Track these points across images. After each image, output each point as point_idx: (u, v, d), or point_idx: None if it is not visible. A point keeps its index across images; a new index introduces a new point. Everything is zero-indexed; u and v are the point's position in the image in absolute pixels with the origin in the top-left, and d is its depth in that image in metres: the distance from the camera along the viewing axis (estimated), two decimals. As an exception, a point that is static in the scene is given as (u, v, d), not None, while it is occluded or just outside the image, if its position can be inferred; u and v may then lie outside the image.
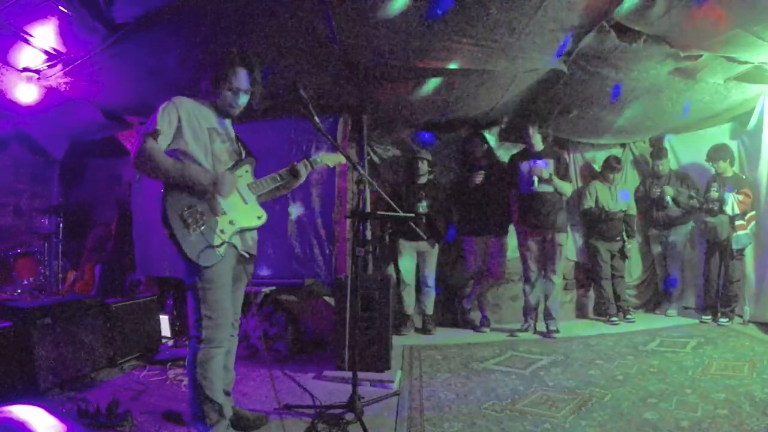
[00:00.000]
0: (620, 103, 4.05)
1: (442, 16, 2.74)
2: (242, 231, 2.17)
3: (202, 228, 2.01)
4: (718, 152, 4.34)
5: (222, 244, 2.06)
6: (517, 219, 4.35)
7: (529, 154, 4.22)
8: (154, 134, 1.97)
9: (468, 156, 4.59)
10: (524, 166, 4.21)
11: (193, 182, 2.02)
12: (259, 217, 2.23)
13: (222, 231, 2.07)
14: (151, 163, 1.96)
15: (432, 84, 3.66)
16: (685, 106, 4.14)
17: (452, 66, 3.34)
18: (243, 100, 2.19)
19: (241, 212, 2.17)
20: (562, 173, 4.16)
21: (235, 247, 2.12)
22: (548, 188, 4.10)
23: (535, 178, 4.08)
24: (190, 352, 2.04)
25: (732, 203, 4.15)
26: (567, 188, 4.18)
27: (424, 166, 4.40)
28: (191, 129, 2.08)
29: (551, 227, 4.10)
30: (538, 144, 4.17)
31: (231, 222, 2.11)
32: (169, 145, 2.04)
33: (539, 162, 4.10)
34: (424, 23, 2.80)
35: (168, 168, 1.99)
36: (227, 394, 2.23)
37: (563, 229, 4.15)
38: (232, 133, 2.29)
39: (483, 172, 4.32)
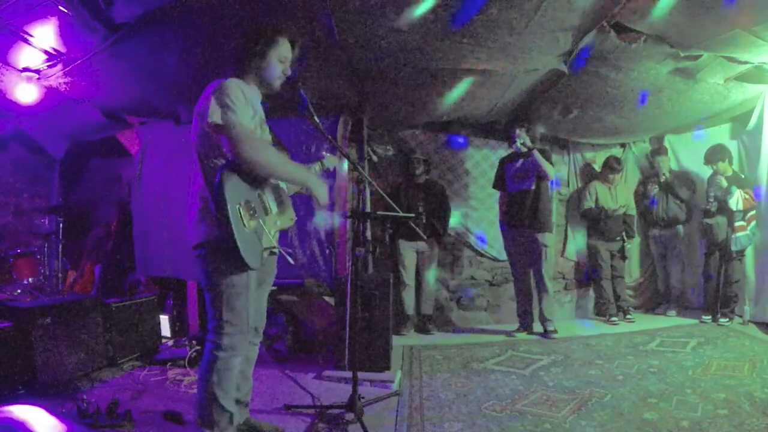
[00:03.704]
0: (627, 104, 4.03)
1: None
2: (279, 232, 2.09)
3: (254, 226, 1.87)
4: (715, 154, 4.33)
5: (273, 247, 1.98)
6: (501, 218, 4.35)
7: (516, 155, 4.21)
8: (244, 128, 1.78)
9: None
10: (510, 167, 4.23)
11: (294, 178, 1.97)
12: (292, 219, 2.15)
13: (269, 232, 1.96)
14: (264, 153, 1.81)
15: (431, 84, 3.67)
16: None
17: (452, 66, 3.34)
18: (288, 71, 2.05)
19: (282, 212, 2.09)
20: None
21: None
22: (532, 187, 4.08)
23: (518, 141, 4.04)
24: (205, 357, 1.90)
25: (738, 198, 4.11)
26: (550, 169, 4.07)
27: (420, 167, 4.41)
28: (247, 117, 1.86)
29: (533, 227, 4.09)
30: (525, 138, 4.11)
31: (275, 222, 2.03)
32: None
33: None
34: (440, 30, 2.79)
35: (272, 159, 1.85)
36: (245, 404, 2.15)
37: (547, 229, 4.13)
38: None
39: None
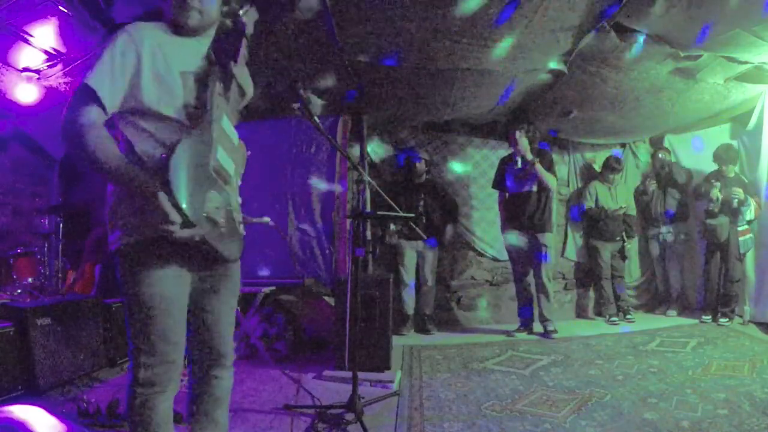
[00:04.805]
0: (627, 104, 4.04)
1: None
2: None
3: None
4: (726, 152, 4.28)
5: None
6: (501, 219, 4.35)
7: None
8: (92, 96, 1.32)
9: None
10: (510, 168, 4.22)
11: (134, 186, 1.31)
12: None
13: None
14: (82, 150, 1.32)
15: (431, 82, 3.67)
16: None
17: (452, 66, 3.34)
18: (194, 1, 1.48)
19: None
20: (546, 167, 4.09)
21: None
22: (533, 189, 4.08)
23: (519, 158, 4.05)
24: (124, 394, 1.45)
25: (752, 208, 4.07)
26: (552, 180, 4.09)
27: (421, 166, 4.41)
28: (154, 72, 1.41)
29: (534, 228, 4.09)
30: (526, 149, 4.09)
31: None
32: (121, 104, 1.37)
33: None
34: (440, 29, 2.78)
35: (105, 160, 1.31)
36: None
37: (547, 229, 4.12)
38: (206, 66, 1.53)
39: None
